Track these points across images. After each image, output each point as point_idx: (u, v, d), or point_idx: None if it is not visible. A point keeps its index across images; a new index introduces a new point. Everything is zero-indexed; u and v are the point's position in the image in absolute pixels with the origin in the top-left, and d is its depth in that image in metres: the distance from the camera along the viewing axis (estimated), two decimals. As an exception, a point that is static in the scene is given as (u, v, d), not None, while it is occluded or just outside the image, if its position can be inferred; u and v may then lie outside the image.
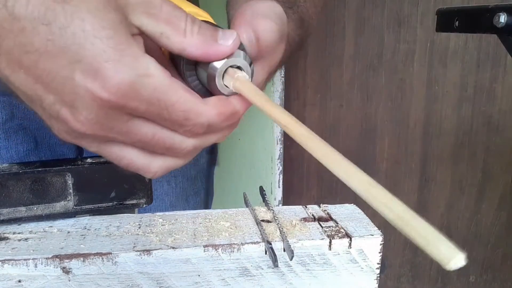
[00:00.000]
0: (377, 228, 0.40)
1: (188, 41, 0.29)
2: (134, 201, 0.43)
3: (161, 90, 0.28)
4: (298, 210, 0.43)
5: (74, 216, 0.42)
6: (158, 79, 0.28)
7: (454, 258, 0.17)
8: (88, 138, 0.31)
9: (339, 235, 0.38)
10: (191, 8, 0.34)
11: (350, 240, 0.38)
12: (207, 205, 0.78)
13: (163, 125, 0.30)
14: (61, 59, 0.27)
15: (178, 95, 0.29)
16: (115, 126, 0.29)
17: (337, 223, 0.40)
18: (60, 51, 0.26)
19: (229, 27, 0.36)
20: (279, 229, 0.38)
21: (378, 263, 0.39)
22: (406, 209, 0.21)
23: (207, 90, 0.33)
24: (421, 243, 0.19)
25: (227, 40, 0.30)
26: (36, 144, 0.62)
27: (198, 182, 0.73)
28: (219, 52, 0.30)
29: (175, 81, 0.29)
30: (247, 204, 0.45)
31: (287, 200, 1.57)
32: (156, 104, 0.28)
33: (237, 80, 0.31)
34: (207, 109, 0.30)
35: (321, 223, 0.41)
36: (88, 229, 0.39)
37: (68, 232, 0.39)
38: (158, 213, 0.43)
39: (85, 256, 0.35)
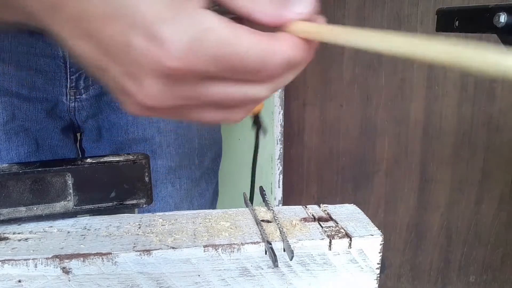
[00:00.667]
0: (377, 228, 0.40)
1: (257, 4, 0.27)
2: (134, 201, 0.43)
3: (226, 42, 0.25)
4: (298, 210, 0.43)
5: (74, 216, 0.41)
6: (220, 31, 0.25)
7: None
8: (159, 110, 0.29)
9: (339, 235, 0.38)
10: None
11: (350, 240, 0.38)
12: (214, 205, 0.78)
13: (237, 80, 0.28)
14: (120, 24, 0.25)
15: (247, 40, 0.26)
16: (184, 93, 0.27)
17: (337, 223, 0.40)
18: (118, 16, 0.25)
19: None
20: (279, 229, 0.38)
21: (378, 263, 0.39)
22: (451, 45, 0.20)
23: None
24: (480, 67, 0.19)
25: (301, 4, 0.27)
26: (37, 146, 0.61)
27: (203, 183, 0.72)
28: (289, 14, 0.27)
29: (238, 27, 0.26)
30: (247, 204, 0.45)
31: (287, 200, 1.57)
32: (227, 59, 0.26)
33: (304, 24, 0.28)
34: (282, 45, 0.27)
35: (321, 223, 0.41)
36: (88, 229, 0.39)
37: (68, 232, 0.39)
38: (158, 213, 0.43)
39: (85, 256, 0.35)
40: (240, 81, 0.28)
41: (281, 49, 0.27)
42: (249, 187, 0.87)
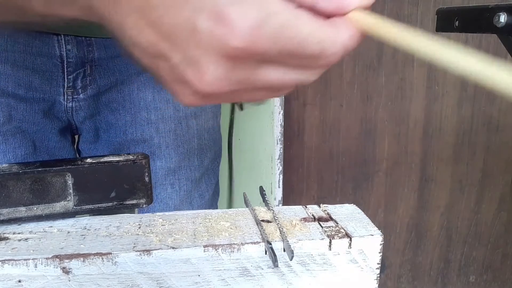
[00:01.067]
0: (377, 228, 0.40)
1: None
2: (134, 201, 0.43)
3: (289, 25, 0.26)
4: (298, 210, 0.43)
5: (74, 216, 0.41)
6: (284, 15, 0.26)
7: None
8: (215, 97, 0.30)
9: (339, 235, 0.38)
10: None
11: (350, 240, 0.38)
12: (214, 206, 0.77)
13: (293, 66, 0.29)
14: (187, 8, 0.26)
15: (309, 26, 0.27)
16: (243, 78, 0.28)
17: (337, 223, 0.40)
18: (185, 0, 0.26)
19: None
20: (279, 229, 0.38)
21: (378, 263, 0.39)
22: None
23: None
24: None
25: None
26: (35, 148, 0.61)
27: (202, 184, 0.72)
28: (354, 3, 0.28)
29: (300, 12, 0.27)
30: (247, 204, 0.45)
31: (287, 200, 1.56)
32: (288, 42, 0.26)
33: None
34: (342, 34, 0.28)
35: (321, 223, 0.41)
36: (88, 229, 0.39)
37: (68, 232, 0.39)
38: (158, 213, 0.43)
39: (85, 256, 0.35)
40: (296, 67, 0.29)
41: (341, 38, 0.28)
42: (250, 187, 0.87)
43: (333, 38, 0.27)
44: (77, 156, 0.70)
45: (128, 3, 0.27)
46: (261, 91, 0.31)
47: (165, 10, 0.26)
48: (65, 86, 0.61)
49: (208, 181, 0.73)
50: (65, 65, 0.60)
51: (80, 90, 0.62)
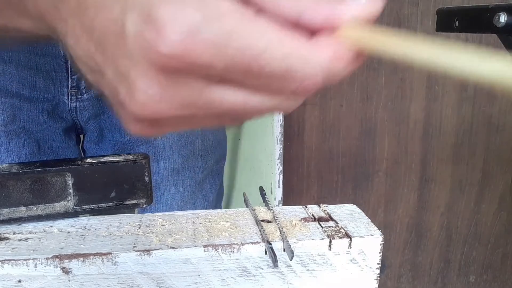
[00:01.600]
0: (377, 228, 0.40)
1: (306, 2, 0.21)
2: (134, 201, 0.43)
3: (240, 33, 0.19)
4: (298, 210, 0.43)
5: (74, 216, 0.41)
6: (234, 19, 0.19)
7: None
8: (162, 123, 0.23)
9: (339, 235, 0.38)
10: None
11: (350, 240, 0.38)
12: (218, 208, 0.77)
13: (257, 87, 0.22)
14: (115, 8, 0.21)
15: (268, 36, 0.20)
16: (190, 100, 0.22)
17: (337, 223, 0.40)
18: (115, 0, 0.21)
19: None
20: (279, 229, 0.38)
21: (378, 263, 0.39)
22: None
23: None
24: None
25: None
26: (39, 148, 0.61)
27: (206, 185, 0.72)
28: (349, 13, 0.21)
29: (261, 18, 0.20)
30: (247, 204, 0.45)
31: (287, 200, 1.56)
32: (239, 57, 0.20)
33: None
34: (320, 52, 0.21)
35: (321, 223, 0.41)
36: (88, 229, 0.39)
37: (68, 232, 0.39)
38: (158, 213, 0.43)
39: (85, 256, 0.35)
40: (260, 90, 0.22)
41: (319, 56, 0.21)
42: (250, 187, 0.86)
43: (306, 55, 0.21)
44: (82, 155, 0.70)
45: (66, 5, 0.23)
46: (222, 117, 0.24)
47: (96, 11, 0.22)
48: (69, 86, 0.61)
49: (212, 182, 0.73)
50: (69, 65, 0.60)
51: (84, 90, 0.63)
